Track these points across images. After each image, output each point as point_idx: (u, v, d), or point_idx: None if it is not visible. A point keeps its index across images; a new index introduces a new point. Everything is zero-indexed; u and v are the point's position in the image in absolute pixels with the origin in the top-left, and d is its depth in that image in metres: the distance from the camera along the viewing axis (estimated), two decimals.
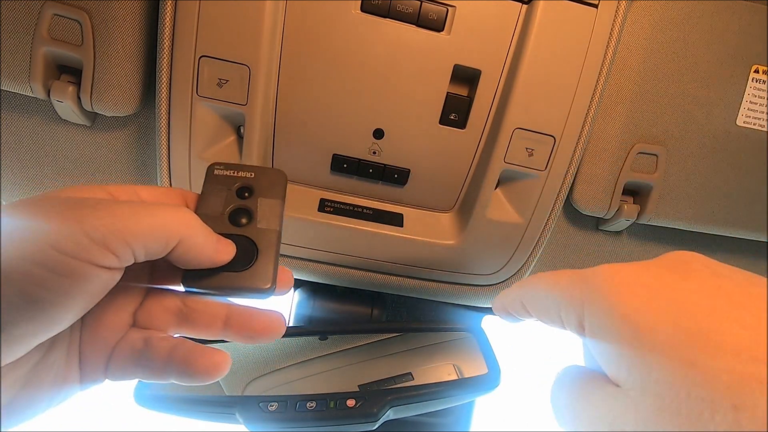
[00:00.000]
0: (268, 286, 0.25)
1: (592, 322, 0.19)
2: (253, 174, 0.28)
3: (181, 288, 0.25)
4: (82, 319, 0.24)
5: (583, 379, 0.20)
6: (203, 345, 0.24)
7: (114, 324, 0.24)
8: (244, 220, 0.27)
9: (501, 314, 0.28)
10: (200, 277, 0.24)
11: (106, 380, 0.24)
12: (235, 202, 0.27)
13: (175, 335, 0.25)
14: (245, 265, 0.25)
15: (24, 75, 0.36)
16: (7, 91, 0.38)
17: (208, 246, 0.23)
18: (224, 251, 0.24)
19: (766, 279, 0.17)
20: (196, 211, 0.27)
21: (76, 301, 0.20)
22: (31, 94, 0.37)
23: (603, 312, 0.18)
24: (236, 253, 0.25)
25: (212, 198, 0.27)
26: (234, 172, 0.28)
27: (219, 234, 0.25)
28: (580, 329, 0.20)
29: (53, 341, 0.22)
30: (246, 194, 0.28)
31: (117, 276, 0.22)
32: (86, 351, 0.24)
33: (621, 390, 0.17)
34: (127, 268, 0.24)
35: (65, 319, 0.20)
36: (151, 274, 0.26)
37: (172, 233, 0.22)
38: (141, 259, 0.21)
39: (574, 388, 0.20)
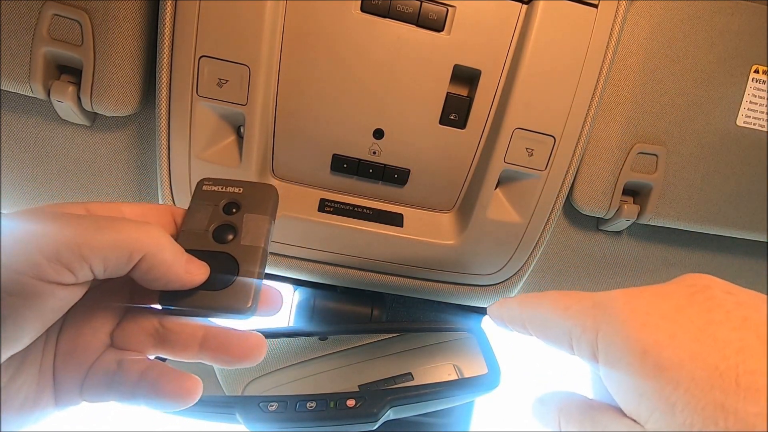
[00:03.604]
0: (247, 306, 0.24)
1: (608, 355, 0.18)
2: (241, 189, 0.27)
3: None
4: (57, 339, 0.23)
5: (594, 410, 0.19)
6: (175, 369, 0.23)
7: (90, 345, 0.23)
8: (230, 237, 0.26)
9: (497, 323, 0.26)
10: (177, 295, 0.23)
11: (83, 402, 0.23)
12: (221, 218, 0.26)
13: (153, 357, 0.24)
14: (225, 283, 0.24)
15: (24, 75, 0.36)
16: (7, 91, 0.38)
17: (176, 265, 0.22)
18: (195, 272, 0.23)
19: None
20: (181, 228, 0.26)
21: (29, 320, 0.19)
22: (31, 94, 0.37)
23: (620, 345, 0.17)
24: (216, 271, 0.24)
25: (198, 214, 0.26)
26: (222, 188, 0.27)
27: (201, 251, 0.24)
28: (594, 359, 0.19)
29: (21, 364, 0.21)
30: (233, 210, 0.27)
31: (77, 292, 0.21)
32: (60, 372, 0.23)
33: (641, 427, 0.16)
34: (105, 286, 0.23)
35: (19, 341, 0.19)
36: (131, 292, 0.25)
37: (135, 248, 0.21)
38: (101, 275, 0.21)
39: (585, 420, 0.19)
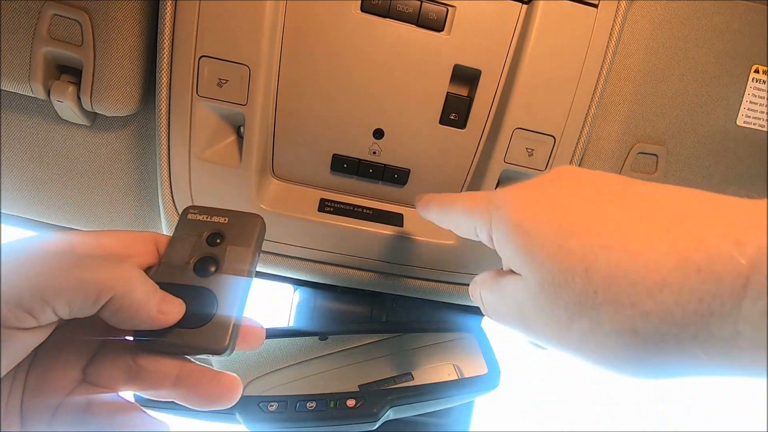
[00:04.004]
0: (223, 345, 0.23)
1: (497, 233, 0.24)
2: (226, 219, 0.27)
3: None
4: (27, 374, 0.22)
5: (499, 277, 0.26)
6: (144, 413, 0.23)
7: (59, 381, 0.23)
8: (212, 269, 0.25)
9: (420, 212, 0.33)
10: (152, 332, 0.23)
11: None
12: (204, 249, 0.25)
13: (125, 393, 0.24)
14: (202, 321, 0.23)
15: (24, 75, 0.36)
16: (7, 91, 0.38)
17: (147, 306, 0.22)
18: (169, 312, 0.23)
19: (620, 176, 0.23)
20: (162, 259, 0.25)
21: None
22: (31, 94, 0.37)
23: (503, 224, 0.23)
24: (193, 307, 0.24)
25: (180, 245, 0.26)
26: (207, 217, 0.27)
27: (180, 285, 0.24)
28: (490, 241, 0.25)
29: None
30: (218, 241, 0.26)
31: (41, 334, 0.20)
32: (28, 408, 0.22)
33: (520, 277, 0.23)
34: (78, 320, 0.22)
35: None
36: (106, 325, 0.24)
37: (102, 289, 0.20)
38: (66, 316, 0.20)
39: (494, 285, 0.26)
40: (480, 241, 0.27)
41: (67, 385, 0.23)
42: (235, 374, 0.24)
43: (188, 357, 0.24)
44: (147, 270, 0.25)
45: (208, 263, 0.25)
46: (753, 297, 0.15)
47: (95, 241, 0.24)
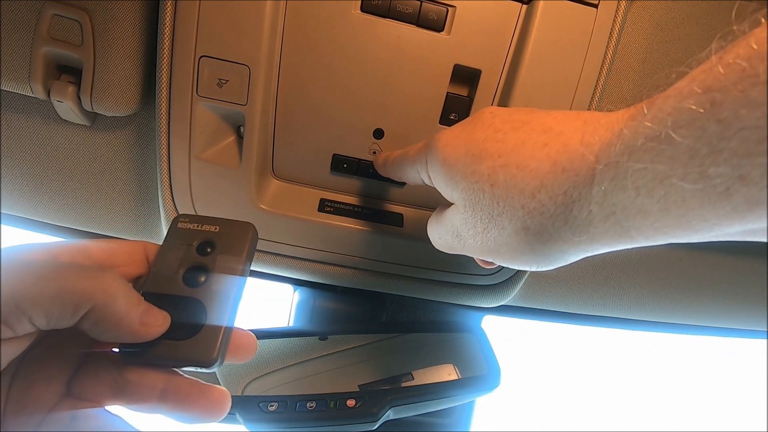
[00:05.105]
0: (212, 358, 0.22)
1: (431, 172, 0.28)
2: (217, 228, 0.26)
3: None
4: (10, 387, 0.22)
5: (441, 211, 0.30)
6: (130, 428, 0.22)
7: (42, 396, 0.22)
8: (201, 279, 0.24)
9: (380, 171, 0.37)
10: (137, 344, 0.22)
11: None
12: (194, 259, 0.25)
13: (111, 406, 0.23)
14: (190, 333, 0.23)
15: (24, 75, 0.36)
16: (7, 91, 0.38)
17: (129, 317, 0.21)
18: (153, 324, 0.22)
19: (527, 108, 0.26)
20: (151, 268, 0.25)
21: None
22: (31, 94, 0.37)
23: (434, 162, 0.27)
24: (181, 318, 0.23)
25: (170, 254, 0.25)
26: (198, 226, 0.26)
27: (168, 295, 0.24)
28: (430, 180, 0.29)
29: None
30: (208, 250, 0.25)
31: (19, 345, 0.20)
32: (11, 424, 0.21)
33: (454, 205, 0.27)
34: (62, 331, 0.22)
35: None
36: (91, 337, 0.23)
37: (81, 299, 0.20)
38: (44, 327, 0.20)
39: (438, 218, 0.30)
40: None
41: (49, 401, 0.22)
42: (224, 388, 0.23)
43: (176, 370, 0.23)
44: (136, 280, 0.25)
45: (197, 273, 0.25)
46: (598, 182, 0.20)
47: (81, 249, 0.23)
